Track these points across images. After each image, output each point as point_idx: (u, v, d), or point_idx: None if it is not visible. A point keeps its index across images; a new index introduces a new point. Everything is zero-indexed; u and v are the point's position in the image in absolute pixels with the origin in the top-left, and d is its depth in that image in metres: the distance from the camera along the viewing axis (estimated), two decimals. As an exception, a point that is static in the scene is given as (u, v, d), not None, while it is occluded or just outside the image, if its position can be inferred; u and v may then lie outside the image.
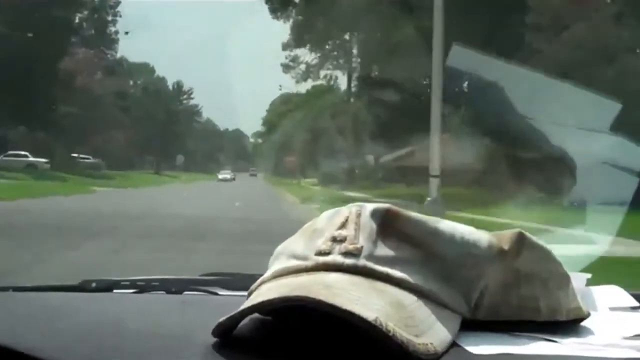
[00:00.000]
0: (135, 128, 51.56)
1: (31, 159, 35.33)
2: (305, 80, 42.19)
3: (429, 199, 14.58)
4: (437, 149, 15.26)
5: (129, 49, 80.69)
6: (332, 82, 42.43)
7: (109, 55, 47.91)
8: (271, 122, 53.63)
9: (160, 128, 57.54)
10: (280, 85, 48.38)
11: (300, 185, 39.59)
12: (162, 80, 66.44)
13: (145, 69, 64.28)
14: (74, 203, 18.26)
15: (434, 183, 14.99)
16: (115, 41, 48.04)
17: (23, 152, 35.57)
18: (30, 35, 32.18)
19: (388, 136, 29.75)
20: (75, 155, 42.28)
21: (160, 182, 43.13)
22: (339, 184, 32.97)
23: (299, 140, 41.89)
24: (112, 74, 46.44)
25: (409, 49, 21.48)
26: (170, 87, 67.27)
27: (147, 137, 54.90)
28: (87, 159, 43.17)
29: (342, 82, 41.74)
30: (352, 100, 38.78)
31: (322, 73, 41.54)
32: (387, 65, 25.59)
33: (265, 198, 26.63)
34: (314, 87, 44.72)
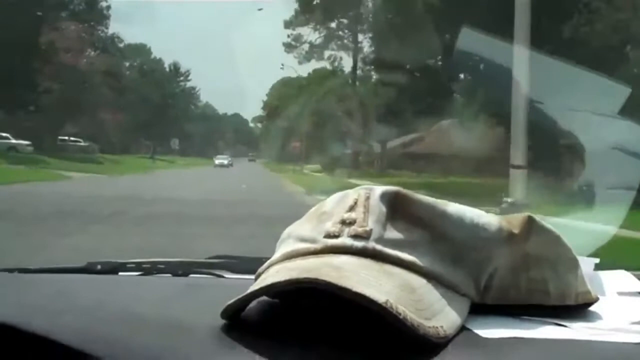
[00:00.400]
0: (131, 110, 49.78)
1: (13, 141, 32.85)
2: (308, 60, 40.36)
3: (508, 199, 10.68)
4: (523, 130, 10.89)
5: (125, 31, 79.77)
6: (336, 64, 40.72)
7: (99, 32, 44.43)
8: (272, 106, 51.19)
9: (156, 111, 55.47)
10: (282, 64, 46.95)
11: (302, 172, 36.84)
12: (159, 61, 64.39)
13: (142, 50, 62.48)
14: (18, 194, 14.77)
15: (518, 176, 10.95)
16: (107, 17, 44.44)
17: (4, 134, 32.90)
18: (11, 7, 29.84)
19: (395, 121, 28.89)
20: (65, 138, 40.18)
21: (153, 167, 39.27)
22: (343, 171, 31.17)
23: (301, 125, 40.01)
24: (104, 51, 43.44)
25: (418, 28, 20.48)
26: (167, 69, 65.02)
27: (143, 120, 52.87)
28: (78, 142, 40.93)
29: (347, 63, 40.21)
30: (357, 83, 37.25)
31: (327, 54, 39.90)
32: (395, 45, 24.39)
33: (265, 188, 22.89)
34: (315, 70, 43.03)
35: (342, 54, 39.96)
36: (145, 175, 29.47)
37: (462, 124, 24.38)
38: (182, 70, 66.21)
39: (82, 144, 41.20)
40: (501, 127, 18.70)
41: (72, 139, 40.69)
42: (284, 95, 46.64)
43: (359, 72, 37.85)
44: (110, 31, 46.85)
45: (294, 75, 44.91)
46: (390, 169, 32.06)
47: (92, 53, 42.57)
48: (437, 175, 25.92)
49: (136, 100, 52.02)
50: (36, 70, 32.21)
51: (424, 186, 15.39)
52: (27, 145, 33.51)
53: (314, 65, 42.55)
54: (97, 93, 38.92)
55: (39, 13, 33.27)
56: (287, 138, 44.87)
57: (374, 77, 34.37)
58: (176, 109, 61.67)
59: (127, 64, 58.07)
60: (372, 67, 33.35)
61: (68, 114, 37.38)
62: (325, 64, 41.16)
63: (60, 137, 39.66)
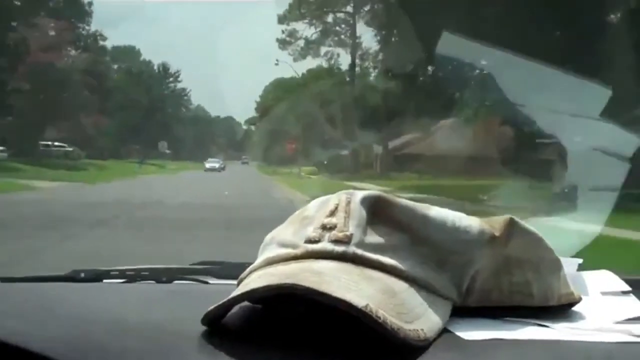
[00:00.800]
0: (118, 114, 48.24)
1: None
2: (304, 57, 37.80)
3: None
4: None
5: (111, 33, 78.48)
6: (333, 61, 38.37)
7: (80, 29, 41.15)
8: (265, 107, 47.61)
9: (145, 114, 53.61)
10: (277, 60, 41.80)
11: (300, 175, 33.56)
12: (149, 63, 62.35)
13: (131, 53, 60.82)
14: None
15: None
16: (89, 13, 41.52)
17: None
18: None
19: (396, 120, 27.56)
20: (48, 143, 37.55)
21: (139, 173, 35.82)
22: (341, 174, 29.39)
23: (296, 127, 36.77)
24: (85, 50, 40.71)
25: (419, 22, 19.06)
26: (156, 70, 62.73)
27: (131, 123, 50.95)
28: (62, 147, 38.44)
29: (345, 60, 38.17)
30: (355, 81, 35.33)
31: (323, 50, 37.75)
32: (394, 40, 23.59)
33: (260, 195, 19.39)
34: (310, 70, 40.50)
35: (340, 50, 38.04)
36: (124, 183, 25.98)
37: (466, 123, 23.42)
38: (172, 71, 64.18)
39: (67, 149, 39.05)
40: (507, 125, 18.42)
41: (55, 144, 38.37)
42: (277, 95, 43.59)
43: (357, 69, 36.09)
44: (96, 32, 44.37)
45: (288, 74, 43.21)
46: (391, 171, 30.21)
47: (73, 52, 40.14)
48: (441, 177, 24.37)
49: (123, 103, 50.49)
50: (6, 69, 29.76)
51: (433, 189, 14.79)
52: (1, 150, 31.09)
53: (309, 62, 40.82)
54: (78, 94, 35.99)
55: (17, 3, 31.11)
56: (281, 140, 41.18)
57: (373, 74, 33.09)
58: (165, 111, 59.62)
59: (116, 66, 56.56)
60: (372, 64, 32.27)
61: (47, 117, 34.38)
62: (321, 61, 39.01)
63: (43, 142, 37.27)
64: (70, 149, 39.30)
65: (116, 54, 55.83)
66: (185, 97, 69.14)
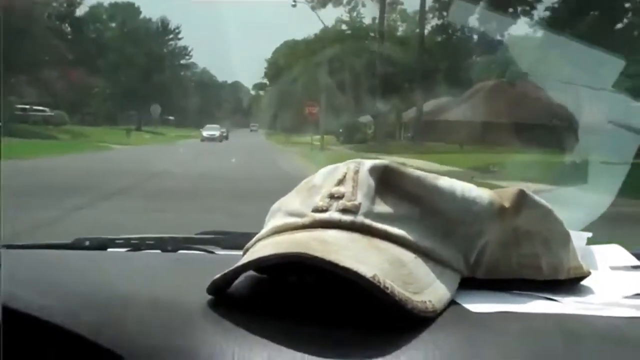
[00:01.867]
0: (111, 74, 44.54)
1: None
2: (323, 6, 33.70)
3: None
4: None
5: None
6: (354, 13, 33.56)
7: None
8: (275, 70, 41.61)
9: (142, 75, 47.61)
10: (294, 1, 35.51)
11: (320, 146, 27.30)
12: (148, 21, 56.48)
13: (130, 10, 55.91)
14: None
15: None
16: None
17: None
18: None
19: (429, 82, 24.32)
20: (25, 107, 32.86)
21: (127, 142, 30.09)
22: (364, 144, 25.12)
23: (310, 91, 31.49)
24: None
25: None
26: (155, 27, 56.41)
27: (127, 85, 45.94)
28: (43, 111, 33.88)
29: (370, 12, 33.65)
30: (384, 36, 30.55)
31: None
32: None
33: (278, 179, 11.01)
34: (323, 30, 35.32)
35: None
36: (84, 158, 20.34)
37: (510, 84, 20.29)
38: (172, 27, 57.47)
39: (47, 113, 33.93)
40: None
41: (35, 107, 33.47)
42: (290, 54, 38.15)
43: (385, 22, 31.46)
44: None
45: (302, 34, 38.11)
46: (426, 141, 25.21)
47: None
48: (484, 148, 20.08)
49: (118, 62, 46.44)
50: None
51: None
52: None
53: (329, 11, 35.94)
54: (43, 43, 30.18)
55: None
56: (292, 105, 35.28)
57: (402, 28, 29.22)
58: (163, 72, 53.11)
59: (113, 24, 52.75)
60: (399, 16, 28.69)
61: (11, 72, 28.34)
62: (341, 12, 34.52)
63: (20, 106, 32.32)
64: (52, 113, 34.02)
65: (113, 11, 52.54)
66: (187, 57, 62.54)
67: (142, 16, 57.50)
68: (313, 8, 33.71)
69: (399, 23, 32.31)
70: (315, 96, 30.49)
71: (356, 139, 27.46)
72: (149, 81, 48.82)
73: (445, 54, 23.20)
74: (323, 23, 36.32)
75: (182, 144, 33.25)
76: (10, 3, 26.70)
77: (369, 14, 34.33)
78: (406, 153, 19.73)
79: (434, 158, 16.51)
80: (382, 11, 31.13)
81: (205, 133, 38.37)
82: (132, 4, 57.48)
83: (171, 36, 58.18)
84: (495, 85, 23.58)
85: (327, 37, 34.14)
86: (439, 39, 23.76)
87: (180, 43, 60.08)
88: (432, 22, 23.49)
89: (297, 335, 0.61)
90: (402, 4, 31.85)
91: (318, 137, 29.23)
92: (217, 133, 38.29)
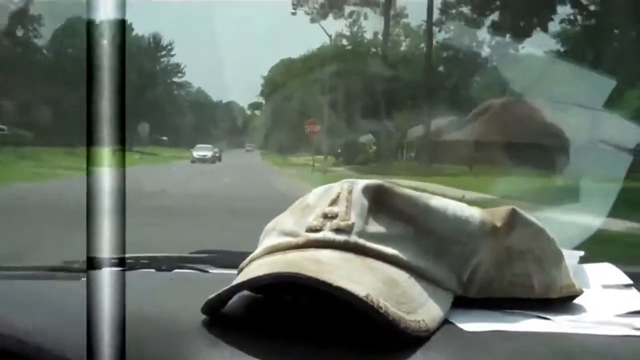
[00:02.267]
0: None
1: None
2: (324, 18, 31.50)
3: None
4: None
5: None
6: (355, 27, 31.71)
7: None
8: (274, 86, 38.85)
9: (131, 92, 46.24)
10: (293, 10, 32.84)
11: (324, 169, 24.35)
12: (141, 38, 52.46)
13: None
14: None
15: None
16: None
17: None
18: None
19: (436, 100, 23.42)
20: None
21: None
22: (365, 165, 23.53)
23: (310, 109, 29.17)
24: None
25: None
26: (147, 43, 52.68)
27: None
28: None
29: (373, 25, 31.33)
30: (387, 50, 29.57)
31: (347, 10, 31.26)
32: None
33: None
34: (320, 48, 33.70)
35: (367, 10, 31.35)
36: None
37: (521, 101, 19.26)
38: (164, 43, 53.91)
39: (5, 132, 28.88)
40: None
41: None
42: (287, 72, 36.11)
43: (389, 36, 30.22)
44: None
45: (298, 52, 35.95)
46: (434, 163, 23.46)
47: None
48: (494, 169, 17.91)
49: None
50: None
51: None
52: None
53: (330, 23, 32.08)
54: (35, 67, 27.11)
55: None
56: (288, 125, 33.40)
57: (405, 43, 27.81)
58: (156, 89, 50.50)
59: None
60: (403, 31, 27.38)
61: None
62: (341, 27, 32.09)
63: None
64: (9, 132, 29.14)
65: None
66: (180, 75, 58.78)
67: (134, 34, 52.68)
68: (313, 20, 32.19)
69: (402, 38, 31.23)
70: (313, 115, 28.61)
71: (358, 160, 26.00)
72: (141, 99, 45.76)
73: (451, 71, 22.45)
74: (327, 33, 33.50)
75: (175, 166, 30.38)
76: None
77: (370, 27, 32.14)
78: (414, 175, 17.89)
79: (445, 181, 14.30)
80: (386, 24, 30.09)
81: (196, 154, 35.41)
82: (124, 21, 56.74)
83: (163, 52, 55.50)
84: (505, 103, 22.39)
85: (326, 53, 32.87)
86: (445, 54, 23.25)
87: (173, 60, 57.29)
88: (439, 36, 22.99)
89: (291, 355, 0.61)
90: (406, 16, 30.60)
91: (319, 157, 27.58)
92: (209, 154, 35.45)
